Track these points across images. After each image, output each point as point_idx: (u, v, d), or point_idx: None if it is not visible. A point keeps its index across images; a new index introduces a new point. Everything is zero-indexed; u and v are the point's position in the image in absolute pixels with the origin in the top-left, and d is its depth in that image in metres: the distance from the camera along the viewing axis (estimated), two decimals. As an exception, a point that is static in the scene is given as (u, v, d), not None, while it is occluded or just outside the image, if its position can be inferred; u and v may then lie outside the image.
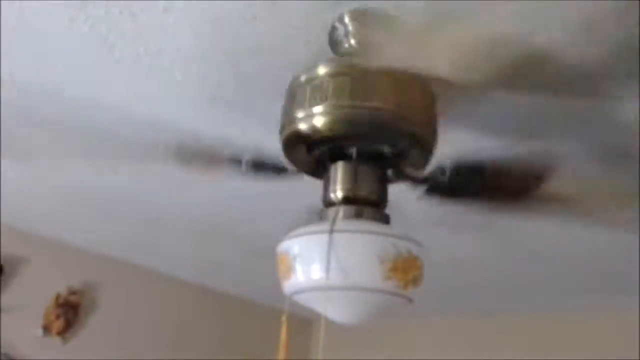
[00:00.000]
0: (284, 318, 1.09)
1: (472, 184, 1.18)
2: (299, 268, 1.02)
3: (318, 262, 0.99)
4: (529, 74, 1.18)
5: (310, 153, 1.19)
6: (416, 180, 1.19)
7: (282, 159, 1.21)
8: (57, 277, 2.55)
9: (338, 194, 1.12)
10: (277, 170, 1.39)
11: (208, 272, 2.89)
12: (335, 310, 1.05)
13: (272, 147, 1.19)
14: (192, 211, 2.05)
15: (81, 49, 1.23)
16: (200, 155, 1.36)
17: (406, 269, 1.01)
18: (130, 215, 2.17)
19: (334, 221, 1.03)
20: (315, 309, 1.07)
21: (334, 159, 1.17)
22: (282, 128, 1.15)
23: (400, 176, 1.19)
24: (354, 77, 1.10)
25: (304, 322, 3.20)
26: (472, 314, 3.03)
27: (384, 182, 1.16)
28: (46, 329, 2.47)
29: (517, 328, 2.92)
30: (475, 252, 2.14)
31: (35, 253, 2.50)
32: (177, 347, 2.94)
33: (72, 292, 2.57)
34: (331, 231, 1.00)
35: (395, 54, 1.18)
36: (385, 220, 1.11)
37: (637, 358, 2.48)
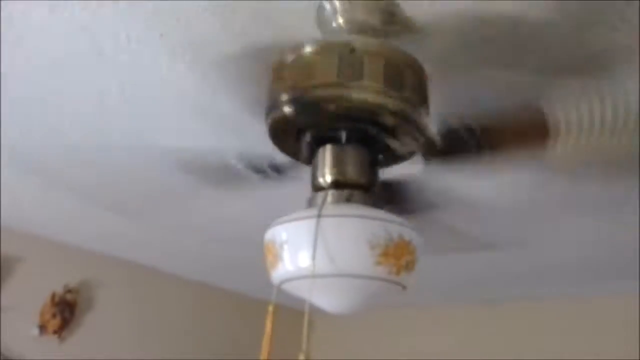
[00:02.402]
0: (270, 308, 1.05)
1: (467, 145, 1.14)
2: (286, 256, 0.98)
3: (306, 249, 0.95)
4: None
5: (298, 138, 1.14)
6: (408, 157, 1.14)
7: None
8: (52, 275, 2.52)
9: (327, 178, 1.07)
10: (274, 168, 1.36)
11: (206, 268, 2.85)
12: (324, 299, 1.00)
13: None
14: (189, 205, 2.01)
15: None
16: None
17: (398, 254, 0.96)
18: (127, 210, 2.13)
19: (322, 206, 0.99)
20: (304, 298, 1.02)
21: (322, 143, 1.12)
22: (268, 112, 1.10)
23: (391, 158, 1.14)
24: (342, 56, 1.05)
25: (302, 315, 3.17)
26: (472, 303, 2.98)
27: (374, 165, 1.11)
28: (42, 328, 2.44)
29: (518, 316, 2.88)
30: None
31: (31, 252, 2.47)
32: (175, 344, 2.91)
33: (68, 291, 2.54)
34: (319, 216, 0.95)
35: (383, 34, 1.14)
36: (377, 204, 1.06)
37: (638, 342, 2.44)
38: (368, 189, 1.07)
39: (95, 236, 2.50)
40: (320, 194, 1.05)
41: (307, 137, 1.14)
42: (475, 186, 1.51)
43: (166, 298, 2.93)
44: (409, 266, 0.99)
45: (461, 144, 1.14)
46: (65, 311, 2.51)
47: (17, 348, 2.34)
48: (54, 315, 2.46)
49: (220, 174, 1.55)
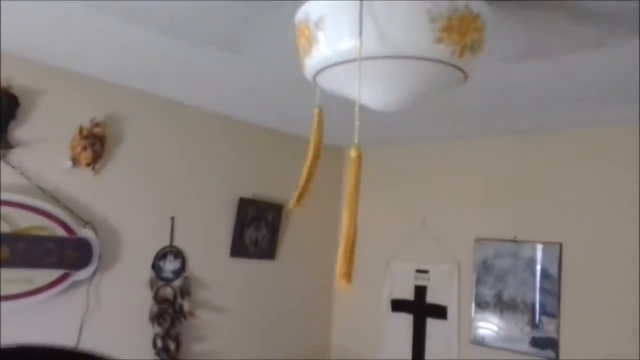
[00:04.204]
0: (315, 110, 0.90)
1: None
2: (322, 37, 0.80)
3: (347, 26, 0.76)
4: None
5: None
6: None
7: None
8: (78, 109, 2.43)
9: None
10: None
11: (231, 101, 2.71)
12: (371, 89, 0.83)
13: None
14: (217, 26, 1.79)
15: None
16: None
17: (463, 30, 0.77)
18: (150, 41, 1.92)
19: (367, -29, 0.77)
20: (346, 92, 0.86)
21: None
22: None
23: None
24: None
25: (334, 150, 3.10)
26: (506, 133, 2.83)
27: None
28: (75, 160, 2.42)
29: (556, 145, 2.73)
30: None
31: (53, 85, 2.36)
32: (203, 173, 2.91)
33: (96, 124, 2.46)
34: (363, -19, 0.75)
35: None
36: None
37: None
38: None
39: (118, 69, 2.34)
40: (364, -38, 0.83)
41: None
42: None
43: (193, 130, 2.86)
44: (475, 46, 0.80)
45: None
46: (96, 144, 2.46)
47: (52, 180, 2.35)
48: (84, 148, 2.42)
49: None
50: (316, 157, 0.87)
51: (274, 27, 1.59)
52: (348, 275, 0.79)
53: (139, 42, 1.99)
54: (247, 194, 3.04)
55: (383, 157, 3.34)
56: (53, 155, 2.35)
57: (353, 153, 0.75)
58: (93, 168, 2.46)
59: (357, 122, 0.74)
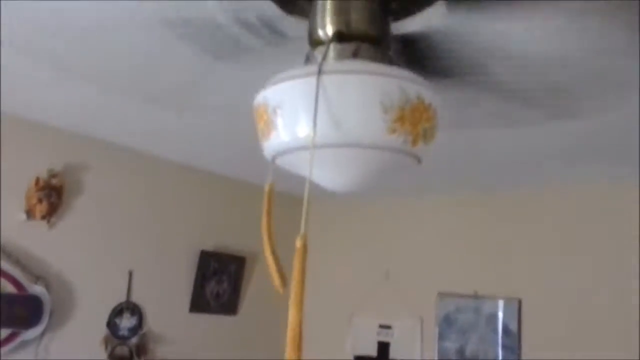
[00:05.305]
0: (266, 188, 0.90)
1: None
2: (280, 123, 0.81)
3: (304, 114, 0.78)
4: None
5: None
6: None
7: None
8: (35, 158, 2.38)
9: (328, 29, 0.87)
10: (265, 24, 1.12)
11: (193, 151, 2.70)
12: (327, 173, 0.84)
13: None
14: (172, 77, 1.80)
15: None
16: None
17: (415, 120, 0.80)
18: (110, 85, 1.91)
19: (323, 61, 0.80)
20: (303, 174, 0.87)
21: (322, -14, 0.90)
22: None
23: (406, 6, 0.93)
24: None
25: (299, 200, 3.10)
26: (471, 191, 2.90)
27: (385, 14, 0.91)
28: (29, 212, 2.34)
29: (517, 204, 2.81)
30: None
31: (9, 133, 2.30)
32: (164, 227, 2.85)
33: (53, 175, 2.41)
34: (319, 72, 0.77)
35: None
36: (389, 60, 0.87)
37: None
38: (378, 42, 0.88)
39: (79, 117, 2.31)
40: (320, 49, 0.86)
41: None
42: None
43: (154, 181, 2.82)
44: (428, 135, 0.83)
45: None
46: (52, 196, 2.39)
47: (4, 233, 2.26)
48: (40, 200, 2.35)
49: (211, 38, 1.32)
50: (269, 238, 0.87)
51: (233, 77, 1.61)
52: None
53: (96, 95, 1.98)
54: (209, 246, 2.99)
55: (347, 209, 3.36)
56: (6, 206, 2.28)
57: (298, 243, 0.75)
58: (48, 221, 2.39)
59: (305, 209, 0.75)
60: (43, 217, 2.37)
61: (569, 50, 1.19)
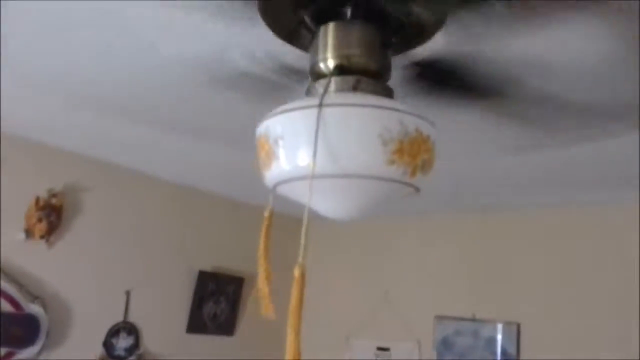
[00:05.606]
0: (265, 213, 0.91)
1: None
2: (282, 153, 0.83)
3: (305, 145, 0.80)
4: None
5: (294, 13, 0.95)
6: (427, 34, 0.95)
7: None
8: (35, 179, 2.39)
9: (329, 62, 0.90)
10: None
11: (193, 171, 2.72)
12: (326, 203, 0.86)
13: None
14: (174, 104, 1.82)
15: None
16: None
17: (414, 152, 0.81)
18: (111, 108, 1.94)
19: (323, 94, 0.82)
20: (303, 203, 0.88)
21: (323, 20, 0.93)
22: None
23: (407, 39, 0.96)
24: None
25: (297, 221, 3.10)
26: (474, 212, 2.91)
27: (386, 47, 0.93)
28: (28, 232, 2.35)
29: (516, 227, 2.82)
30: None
31: (10, 153, 2.32)
32: (162, 245, 2.85)
33: (53, 195, 2.42)
34: (320, 105, 0.79)
35: None
36: (389, 93, 0.89)
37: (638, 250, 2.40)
38: (379, 76, 0.90)
39: (79, 138, 2.33)
40: (322, 82, 0.89)
41: (306, 14, 0.95)
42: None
43: (153, 202, 2.83)
44: (426, 166, 0.85)
45: None
46: (52, 216, 2.40)
47: (3, 252, 2.26)
48: (39, 220, 2.36)
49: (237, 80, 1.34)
50: (265, 264, 0.88)
51: (238, 108, 1.63)
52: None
53: (97, 117, 2.00)
54: (207, 266, 2.98)
55: (345, 231, 3.37)
56: (6, 225, 2.28)
57: (296, 272, 0.76)
58: (47, 240, 2.39)
59: (303, 236, 0.76)
60: (42, 237, 2.37)
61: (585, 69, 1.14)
